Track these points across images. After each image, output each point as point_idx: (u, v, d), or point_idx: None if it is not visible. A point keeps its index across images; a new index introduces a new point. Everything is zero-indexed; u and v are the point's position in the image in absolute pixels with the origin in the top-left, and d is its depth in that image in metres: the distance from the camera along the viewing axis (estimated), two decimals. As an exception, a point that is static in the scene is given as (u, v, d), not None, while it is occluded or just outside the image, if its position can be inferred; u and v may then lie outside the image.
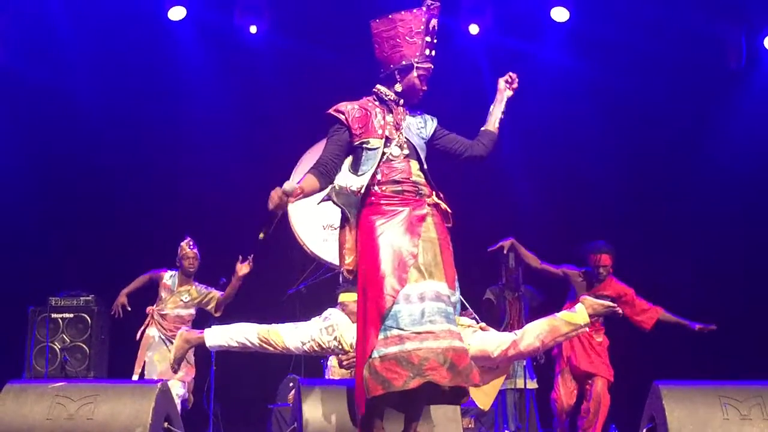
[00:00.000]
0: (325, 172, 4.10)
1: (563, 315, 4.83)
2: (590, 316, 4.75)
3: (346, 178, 4.14)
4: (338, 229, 4.22)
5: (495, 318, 7.39)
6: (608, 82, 8.88)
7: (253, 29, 8.84)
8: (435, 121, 4.41)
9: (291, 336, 4.94)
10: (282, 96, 8.99)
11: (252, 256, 7.09)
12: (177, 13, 8.66)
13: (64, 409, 4.47)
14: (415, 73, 4.23)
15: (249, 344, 4.92)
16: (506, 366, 5.21)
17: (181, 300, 7.26)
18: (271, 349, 4.96)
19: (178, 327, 7.21)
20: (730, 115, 8.95)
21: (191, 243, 7.38)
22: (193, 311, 7.31)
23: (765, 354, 8.09)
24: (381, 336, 3.86)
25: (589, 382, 6.94)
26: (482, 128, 4.51)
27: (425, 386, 3.86)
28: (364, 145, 4.14)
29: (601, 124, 9.01)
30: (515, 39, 8.96)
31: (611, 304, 4.78)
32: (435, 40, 4.26)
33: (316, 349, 5.01)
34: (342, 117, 4.18)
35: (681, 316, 6.90)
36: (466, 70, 9.08)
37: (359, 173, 4.13)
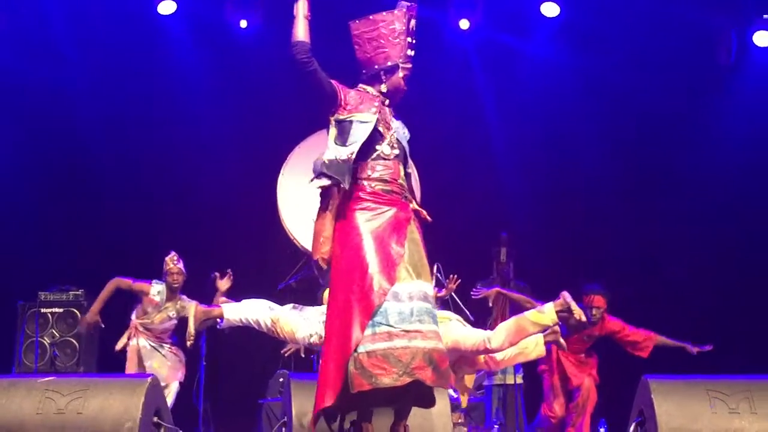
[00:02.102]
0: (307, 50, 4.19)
1: (531, 315, 5.00)
2: (557, 313, 4.89)
3: (334, 151, 4.12)
4: (316, 216, 4.22)
5: (484, 308, 7.42)
6: (599, 77, 8.90)
7: (243, 24, 8.82)
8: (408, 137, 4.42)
9: (300, 328, 5.15)
10: (273, 90, 8.96)
11: (230, 270, 7.08)
12: (167, 8, 8.62)
13: (53, 403, 4.48)
14: (400, 74, 4.26)
15: (260, 325, 5.17)
16: (471, 363, 5.38)
17: (168, 315, 7.24)
18: (278, 334, 5.21)
19: (164, 335, 7.25)
20: (719, 110, 8.98)
21: (176, 258, 7.31)
22: (176, 321, 7.31)
23: (753, 348, 8.12)
24: (369, 332, 3.87)
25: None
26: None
27: (409, 385, 3.89)
28: (354, 119, 4.13)
29: (592, 119, 9.02)
30: (506, 34, 8.98)
31: (579, 311, 4.89)
32: (414, 41, 4.27)
33: (318, 341, 5.16)
34: (337, 87, 4.20)
35: (676, 339, 6.98)
36: (456, 65, 9.09)
37: (348, 143, 4.12)
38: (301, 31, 4.20)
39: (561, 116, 9.07)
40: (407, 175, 4.27)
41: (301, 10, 4.22)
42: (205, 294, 7.36)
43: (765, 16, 8.59)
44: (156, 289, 7.25)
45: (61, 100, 8.84)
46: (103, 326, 7.29)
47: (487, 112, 9.25)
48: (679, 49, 8.79)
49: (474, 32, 8.92)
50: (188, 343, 5.22)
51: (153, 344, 7.20)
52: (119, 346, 7.24)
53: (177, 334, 7.33)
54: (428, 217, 4.30)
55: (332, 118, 4.18)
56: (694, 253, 8.79)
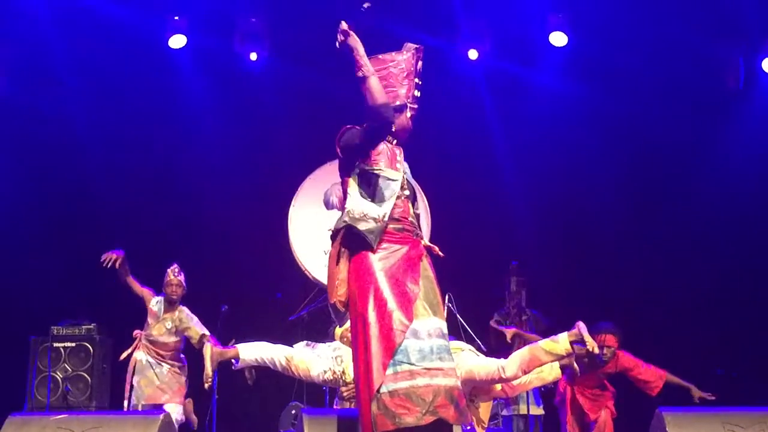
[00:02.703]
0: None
1: (545, 344, 5.00)
2: (572, 344, 4.89)
3: (362, 205, 4.10)
4: (329, 260, 4.19)
5: (503, 342, 7.37)
6: (607, 106, 8.89)
7: (253, 56, 8.88)
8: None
9: (315, 365, 5.19)
10: (282, 122, 9.01)
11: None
12: (177, 41, 8.69)
13: (66, 440, 4.46)
14: (408, 113, 4.28)
15: (275, 364, 5.19)
16: (485, 392, 5.37)
17: (165, 328, 7.21)
18: (293, 373, 5.22)
19: (166, 352, 7.20)
20: (729, 137, 8.96)
21: (176, 270, 7.32)
22: (178, 338, 7.27)
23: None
24: (390, 371, 3.85)
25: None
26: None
27: (430, 424, 3.86)
28: (381, 174, 4.14)
29: (600, 148, 9.02)
30: (514, 64, 8.99)
31: (593, 342, 4.95)
32: (421, 82, 4.30)
33: (332, 378, 5.20)
34: None
35: (685, 380, 6.81)
36: (465, 95, 9.11)
37: (377, 201, 4.11)
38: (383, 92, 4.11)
39: (570, 145, 9.07)
40: (416, 215, 4.27)
41: (372, 70, 4.12)
42: (214, 325, 7.39)
43: (774, 42, 8.62)
44: (155, 300, 7.27)
45: (71, 134, 8.90)
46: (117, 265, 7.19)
47: (496, 141, 9.25)
48: (688, 77, 8.79)
49: (483, 62, 8.94)
50: (206, 385, 5.19)
51: (150, 360, 7.17)
52: (123, 356, 7.27)
53: (187, 359, 7.33)
54: (440, 253, 4.29)
55: (356, 166, 4.17)
56: (704, 280, 8.74)
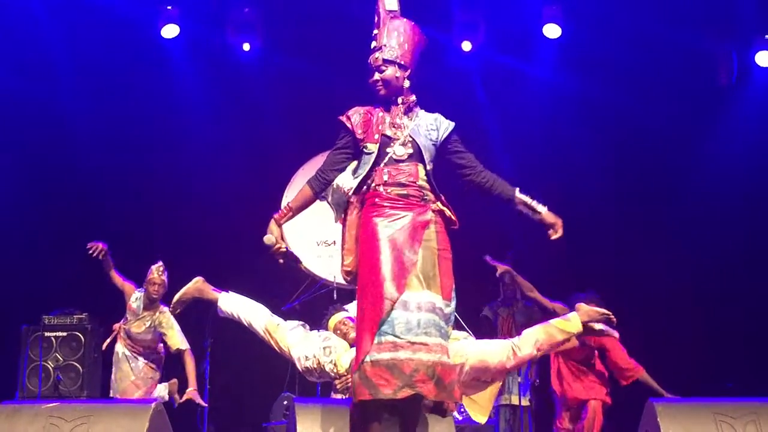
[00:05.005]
0: (320, 179, 4.17)
1: (557, 323, 4.87)
2: (584, 324, 4.78)
3: (345, 179, 4.18)
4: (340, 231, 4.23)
5: (491, 336, 7.40)
6: (600, 98, 8.90)
7: (246, 47, 8.86)
8: (452, 126, 4.34)
9: (298, 346, 4.96)
10: (276, 113, 9.00)
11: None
12: (170, 31, 8.67)
13: (57, 429, 4.46)
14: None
15: (252, 328, 4.99)
16: (501, 377, 5.24)
17: (145, 325, 7.16)
18: (269, 344, 5.00)
19: (143, 348, 7.18)
20: (721, 131, 8.98)
21: (161, 269, 7.20)
22: (156, 336, 7.21)
23: (760, 371, 8.08)
24: (375, 341, 3.86)
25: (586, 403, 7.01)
26: (509, 190, 4.50)
27: (413, 396, 3.87)
28: (364, 150, 4.15)
29: (593, 140, 9.03)
30: (508, 56, 9.00)
31: (606, 311, 4.77)
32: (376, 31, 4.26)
33: (315, 367, 4.95)
34: (348, 124, 4.18)
35: (658, 385, 6.69)
36: (458, 87, 9.11)
37: (355, 176, 4.16)
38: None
39: (562, 137, 9.08)
40: (428, 174, 4.19)
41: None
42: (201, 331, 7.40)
43: (767, 36, 8.62)
44: (135, 296, 7.21)
45: (62, 125, 8.88)
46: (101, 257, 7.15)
47: (490, 132, 9.26)
48: (681, 70, 8.80)
49: (476, 54, 8.94)
50: (174, 309, 5.10)
51: (127, 353, 7.17)
52: (104, 347, 7.31)
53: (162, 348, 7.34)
54: (453, 216, 4.22)
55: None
56: (698, 274, 8.76)
